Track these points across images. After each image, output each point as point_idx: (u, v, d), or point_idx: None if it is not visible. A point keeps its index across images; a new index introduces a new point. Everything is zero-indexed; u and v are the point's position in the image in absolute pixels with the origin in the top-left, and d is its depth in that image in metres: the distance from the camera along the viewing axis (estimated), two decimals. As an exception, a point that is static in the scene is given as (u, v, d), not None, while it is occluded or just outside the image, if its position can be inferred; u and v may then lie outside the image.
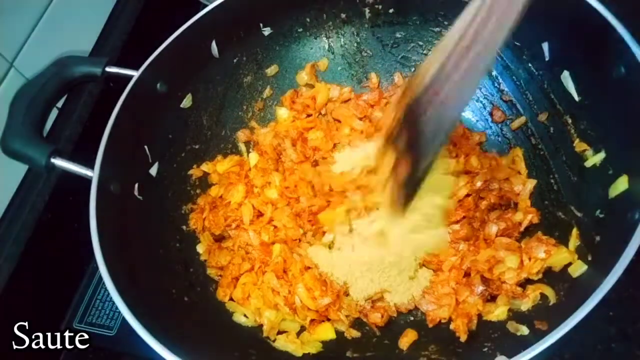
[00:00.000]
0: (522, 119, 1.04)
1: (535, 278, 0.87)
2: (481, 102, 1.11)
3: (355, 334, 0.94)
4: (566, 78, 0.94)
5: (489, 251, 0.91)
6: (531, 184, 0.99)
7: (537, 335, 0.71)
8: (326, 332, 0.94)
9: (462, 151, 1.05)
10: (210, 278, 1.03)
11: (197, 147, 1.13)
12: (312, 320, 0.95)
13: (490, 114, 1.10)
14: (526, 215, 0.95)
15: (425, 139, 0.69)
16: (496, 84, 1.09)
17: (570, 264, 0.83)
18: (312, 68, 1.20)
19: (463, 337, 0.85)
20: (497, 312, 0.86)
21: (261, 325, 0.95)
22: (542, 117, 1.01)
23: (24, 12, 1.07)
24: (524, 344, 0.68)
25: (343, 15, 1.17)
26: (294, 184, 1.06)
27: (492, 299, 0.89)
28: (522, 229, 0.95)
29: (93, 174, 0.90)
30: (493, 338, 0.83)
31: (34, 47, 1.08)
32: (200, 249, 1.05)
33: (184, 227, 1.07)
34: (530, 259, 0.88)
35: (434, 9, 1.10)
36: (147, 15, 1.30)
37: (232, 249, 1.04)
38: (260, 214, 1.06)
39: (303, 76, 1.20)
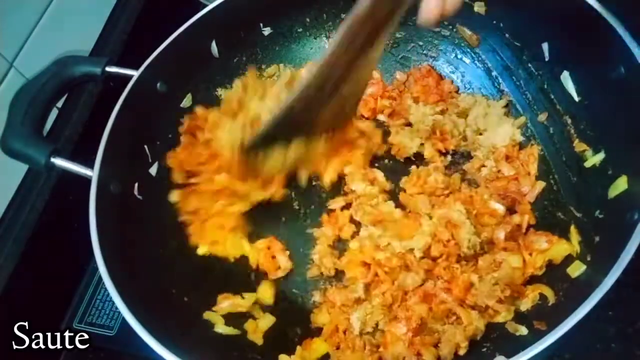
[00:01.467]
0: (522, 119, 1.04)
1: (540, 273, 0.86)
2: (481, 102, 1.11)
3: None
4: (566, 78, 0.94)
5: (487, 257, 0.88)
6: (540, 186, 0.96)
7: (536, 336, 0.70)
8: (320, 347, 0.90)
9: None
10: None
11: (197, 147, 1.13)
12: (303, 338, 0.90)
13: (490, 114, 1.09)
14: (523, 216, 0.93)
15: None
16: (496, 84, 1.08)
17: (570, 265, 0.83)
18: (312, 68, 1.19)
19: (462, 351, 0.82)
20: (504, 314, 0.84)
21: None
22: (542, 117, 1.01)
23: (24, 12, 1.07)
24: (523, 344, 0.68)
25: (343, 16, 1.17)
26: None
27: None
28: (523, 230, 0.93)
29: (93, 173, 0.90)
30: (492, 338, 0.83)
31: (34, 47, 1.08)
32: (174, 196, 1.01)
33: (184, 228, 1.06)
34: (531, 254, 0.87)
35: (434, 9, 1.10)
36: (147, 15, 1.30)
37: (201, 192, 1.00)
38: None
39: (303, 76, 1.19)
